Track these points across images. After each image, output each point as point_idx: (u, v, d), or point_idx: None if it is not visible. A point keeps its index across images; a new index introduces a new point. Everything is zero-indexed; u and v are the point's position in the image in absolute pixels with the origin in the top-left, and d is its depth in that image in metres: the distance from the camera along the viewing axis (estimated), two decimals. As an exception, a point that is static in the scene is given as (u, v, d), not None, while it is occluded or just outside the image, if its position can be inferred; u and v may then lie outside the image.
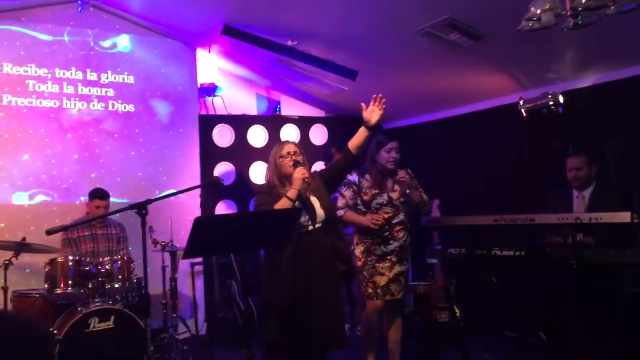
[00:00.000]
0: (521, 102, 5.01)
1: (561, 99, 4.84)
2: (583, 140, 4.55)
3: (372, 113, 3.27)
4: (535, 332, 3.92)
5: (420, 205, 4.09)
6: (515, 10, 3.14)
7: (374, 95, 3.28)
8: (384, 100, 3.27)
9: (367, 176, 4.02)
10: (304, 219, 3.22)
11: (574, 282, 3.49)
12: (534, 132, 5.19)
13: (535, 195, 4.68)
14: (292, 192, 3.17)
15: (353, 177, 4.02)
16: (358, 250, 3.99)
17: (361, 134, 3.34)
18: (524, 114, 5.01)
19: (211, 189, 6.11)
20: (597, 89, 4.82)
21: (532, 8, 2.93)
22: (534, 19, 2.92)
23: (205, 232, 2.73)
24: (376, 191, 3.98)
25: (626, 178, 4.50)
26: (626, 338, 3.61)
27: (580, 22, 2.88)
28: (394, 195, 4.01)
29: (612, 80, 4.70)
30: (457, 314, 4.99)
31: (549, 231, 3.88)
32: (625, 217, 3.19)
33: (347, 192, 3.98)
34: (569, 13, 2.86)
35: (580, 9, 2.82)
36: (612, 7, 2.80)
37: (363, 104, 3.31)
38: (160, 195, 3.31)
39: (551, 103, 4.85)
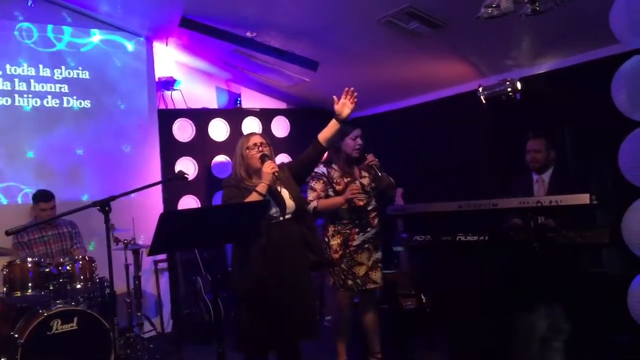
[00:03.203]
0: (480, 89, 5.09)
1: (519, 85, 4.94)
2: (541, 125, 4.65)
3: (344, 106, 3.25)
4: (500, 315, 3.99)
5: (388, 188, 4.07)
6: (474, -3, 3.19)
7: (346, 89, 3.25)
8: (355, 94, 3.25)
9: (334, 166, 4.00)
10: (274, 210, 3.21)
11: (537, 264, 3.56)
12: (493, 119, 5.28)
13: (498, 181, 4.77)
14: (262, 187, 3.14)
15: (320, 168, 3.98)
16: (335, 242, 3.92)
17: (332, 126, 3.32)
18: (484, 101, 5.09)
19: (173, 184, 6.01)
20: (554, 74, 4.92)
21: (491, -5, 2.97)
22: (493, 5, 2.96)
23: (172, 227, 2.68)
24: (348, 179, 3.97)
25: (584, 161, 4.62)
26: (587, 317, 3.71)
27: (537, 8, 2.94)
28: (365, 181, 4.02)
29: (569, 66, 4.80)
30: (424, 301, 5.05)
31: (512, 215, 3.95)
32: (584, 198, 3.26)
33: (318, 185, 3.92)
34: (527, -1, 2.91)
35: (537, -5, 2.87)
36: (569, -7, 2.87)
37: (335, 97, 3.28)
38: (124, 192, 3.22)
39: (509, 89, 4.95)
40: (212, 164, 6.55)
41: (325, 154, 3.79)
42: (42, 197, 4.82)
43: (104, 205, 2.91)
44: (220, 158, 6.55)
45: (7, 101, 5.39)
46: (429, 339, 4.76)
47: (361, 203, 3.92)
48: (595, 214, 3.93)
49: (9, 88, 5.41)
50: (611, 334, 3.78)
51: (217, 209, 3.74)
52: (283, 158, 6.39)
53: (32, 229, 4.75)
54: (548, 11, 2.95)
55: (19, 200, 5.37)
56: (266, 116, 6.90)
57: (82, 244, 4.99)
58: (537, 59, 4.95)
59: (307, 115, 6.90)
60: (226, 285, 5.31)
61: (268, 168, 3.16)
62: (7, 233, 2.99)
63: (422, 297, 5.06)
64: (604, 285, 3.92)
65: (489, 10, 2.95)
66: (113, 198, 2.97)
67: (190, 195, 6.38)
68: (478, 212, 3.69)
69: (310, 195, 3.92)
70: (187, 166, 6.37)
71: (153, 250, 2.77)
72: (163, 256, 5.95)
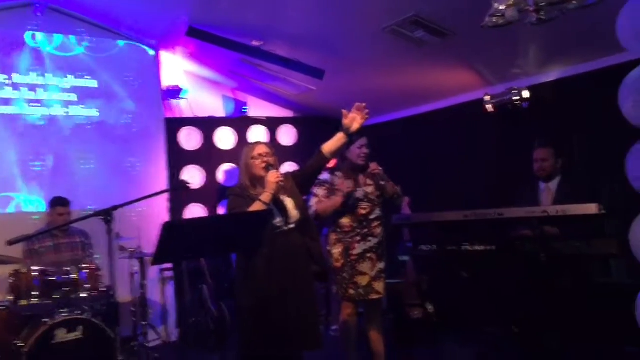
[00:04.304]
0: (487, 98, 5.06)
1: (525, 94, 4.91)
2: (549, 134, 4.62)
3: (354, 121, 3.25)
4: (507, 326, 3.96)
5: (394, 197, 4.04)
6: (480, 6, 3.17)
7: (357, 104, 3.25)
8: (367, 110, 3.25)
9: (338, 173, 3.97)
10: (278, 220, 3.20)
11: (544, 274, 3.53)
12: (500, 128, 5.25)
13: (504, 190, 4.73)
14: (266, 196, 3.13)
15: (324, 175, 3.96)
16: (336, 251, 3.89)
17: (339, 139, 3.32)
18: (490, 110, 5.07)
19: (179, 193, 6.02)
20: (561, 83, 4.89)
21: (496, 4, 2.96)
22: (498, 14, 2.95)
23: (175, 236, 2.67)
24: (351, 187, 3.95)
25: (592, 170, 4.58)
26: (596, 327, 3.67)
27: (543, 17, 2.92)
28: (369, 189, 3.98)
29: (575, 74, 4.78)
30: (430, 310, 5.01)
31: (518, 225, 3.92)
32: (591, 208, 3.25)
33: (320, 191, 3.90)
34: (532, 8, 2.90)
35: (543, 4, 2.86)
36: (574, 2, 2.86)
37: (344, 111, 3.28)
38: (127, 201, 3.21)
39: (516, 98, 4.92)
40: (218, 173, 6.55)
41: (334, 162, 3.77)
42: (60, 201, 4.86)
43: (107, 215, 2.90)
44: (227, 166, 6.55)
45: (15, 110, 5.42)
46: (436, 349, 4.73)
47: (351, 188, 3.87)
48: (603, 224, 3.88)
49: (18, 97, 5.44)
50: (619, 345, 3.74)
51: (221, 218, 3.73)
52: (290, 166, 6.38)
53: (44, 236, 4.75)
54: (554, 20, 2.93)
55: (22, 209, 5.39)
56: (273, 124, 6.89)
57: (93, 257, 4.95)
58: (544, 67, 4.93)
59: (314, 123, 6.90)
60: (232, 294, 5.30)
61: (272, 177, 3.16)
62: (9, 243, 2.99)
63: (429, 306, 5.02)
64: (612, 295, 3.88)
65: (494, 19, 2.94)
66: (115, 208, 2.96)
67: (197, 204, 6.37)
68: (484, 222, 3.68)
69: (312, 201, 3.90)
70: (193, 175, 6.37)
71: (156, 260, 2.76)
72: (169, 265, 5.93)
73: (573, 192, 3.93)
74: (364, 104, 3.26)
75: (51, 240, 4.80)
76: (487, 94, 5.06)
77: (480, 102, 5.09)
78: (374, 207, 3.97)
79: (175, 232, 2.72)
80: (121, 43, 6.01)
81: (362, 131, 3.50)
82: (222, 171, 6.56)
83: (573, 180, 4.20)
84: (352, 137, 3.41)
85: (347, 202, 3.86)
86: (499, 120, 5.11)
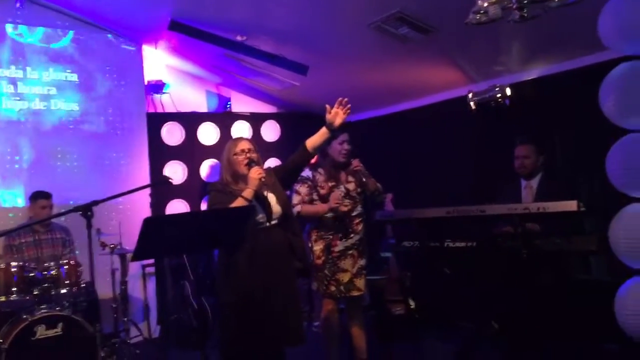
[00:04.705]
0: (470, 95, 5.08)
1: (508, 91, 4.93)
2: (530, 131, 4.65)
3: (336, 116, 3.24)
4: (488, 322, 3.99)
5: (375, 193, 4.03)
6: (464, 3, 3.18)
7: (340, 99, 3.25)
8: (349, 105, 3.25)
9: (320, 170, 3.95)
10: (260, 216, 3.19)
11: (525, 271, 3.55)
12: (483, 125, 5.27)
13: (486, 187, 4.76)
14: (248, 192, 3.13)
15: (306, 172, 3.93)
16: (317, 248, 3.88)
17: (322, 135, 3.32)
18: (473, 107, 5.08)
19: (161, 188, 5.97)
20: (543, 80, 4.92)
21: (480, 1, 2.98)
22: (482, 11, 2.96)
23: (156, 232, 2.65)
24: (332, 184, 3.92)
25: (573, 168, 4.62)
26: (575, 324, 3.70)
27: (526, 15, 2.94)
28: (350, 186, 3.97)
29: (557, 72, 4.82)
30: (412, 306, 5.03)
31: (500, 222, 3.95)
32: (572, 205, 3.27)
33: (303, 189, 3.89)
34: (515, 6, 2.92)
35: (525, 1, 2.88)
36: (556, 0, 2.87)
37: (327, 106, 3.27)
38: (108, 196, 3.18)
39: (498, 95, 4.93)
40: (201, 168, 6.51)
41: (315, 158, 3.77)
42: (43, 194, 4.79)
43: (86, 210, 2.87)
44: (210, 162, 6.50)
45: (-7, 103, 5.34)
46: (417, 345, 4.74)
47: (345, 209, 3.88)
48: (583, 221, 3.92)
49: (-4, 90, 5.36)
50: (599, 342, 3.77)
51: (202, 214, 3.70)
52: (273, 162, 6.35)
53: (25, 231, 4.68)
54: (536, 18, 2.95)
55: (1, 205, 5.32)
56: (256, 120, 6.86)
57: (74, 253, 4.89)
58: (526, 65, 4.96)
59: (298, 119, 6.88)
60: (214, 290, 5.28)
61: (255, 174, 3.15)
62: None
63: (411, 303, 5.04)
64: (592, 292, 3.92)
65: (477, 16, 2.95)
66: (95, 203, 2.93)
67: (180, 200, 6.33)
68: (466, 218, 3.69)
69: (295, 199, 3.88)
70: (176, 170, 6.32)
71: (137, 256, 2.74)
72: (150, 261, 5.90)
73: (554, 189, 3.96)
74: (345, 99, 3.25)
75: (32, 236, 4.73)
76: (470, 91, 5.08)
77: (463, 100, 5.11)
78: (355, 204, 3.97)
79: (156, 227, 2.70)
80: (103, 36, 5.93)
81: (346, 127, 3.50)
82: (205, 167, 6.52)
83: (554, 177, 4.23)
84: (335, 133, 3.41)
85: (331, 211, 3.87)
86: (481, 117, 5.14)
